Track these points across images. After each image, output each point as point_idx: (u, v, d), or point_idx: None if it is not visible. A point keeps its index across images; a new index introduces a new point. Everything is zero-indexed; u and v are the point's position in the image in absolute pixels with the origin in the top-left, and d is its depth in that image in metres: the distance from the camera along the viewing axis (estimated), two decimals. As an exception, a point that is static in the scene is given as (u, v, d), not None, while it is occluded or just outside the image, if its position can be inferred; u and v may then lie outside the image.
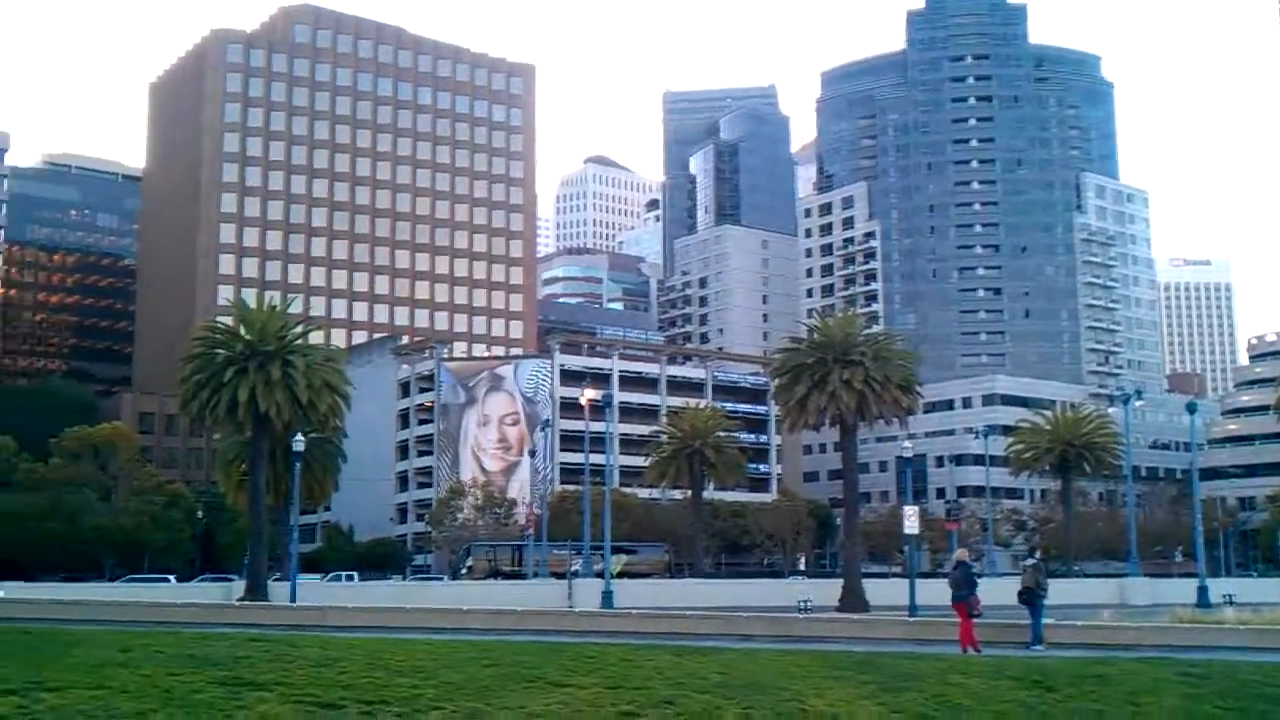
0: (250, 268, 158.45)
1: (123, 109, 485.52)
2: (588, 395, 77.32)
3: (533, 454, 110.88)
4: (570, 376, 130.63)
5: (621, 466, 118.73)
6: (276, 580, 63.42)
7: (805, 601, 53.11)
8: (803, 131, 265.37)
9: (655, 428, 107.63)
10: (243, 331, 61.52)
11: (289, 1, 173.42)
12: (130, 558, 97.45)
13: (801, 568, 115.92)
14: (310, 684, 17.87)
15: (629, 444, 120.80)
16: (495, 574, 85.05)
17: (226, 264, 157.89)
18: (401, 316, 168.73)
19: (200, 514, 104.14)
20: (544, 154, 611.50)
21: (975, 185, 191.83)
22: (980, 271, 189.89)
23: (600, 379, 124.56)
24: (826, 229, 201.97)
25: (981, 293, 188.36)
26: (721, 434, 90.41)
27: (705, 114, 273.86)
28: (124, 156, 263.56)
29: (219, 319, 72.51)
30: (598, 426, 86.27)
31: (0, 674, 16.98)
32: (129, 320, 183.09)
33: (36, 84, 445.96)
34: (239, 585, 62.53)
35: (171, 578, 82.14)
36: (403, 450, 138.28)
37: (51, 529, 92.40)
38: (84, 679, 17.20)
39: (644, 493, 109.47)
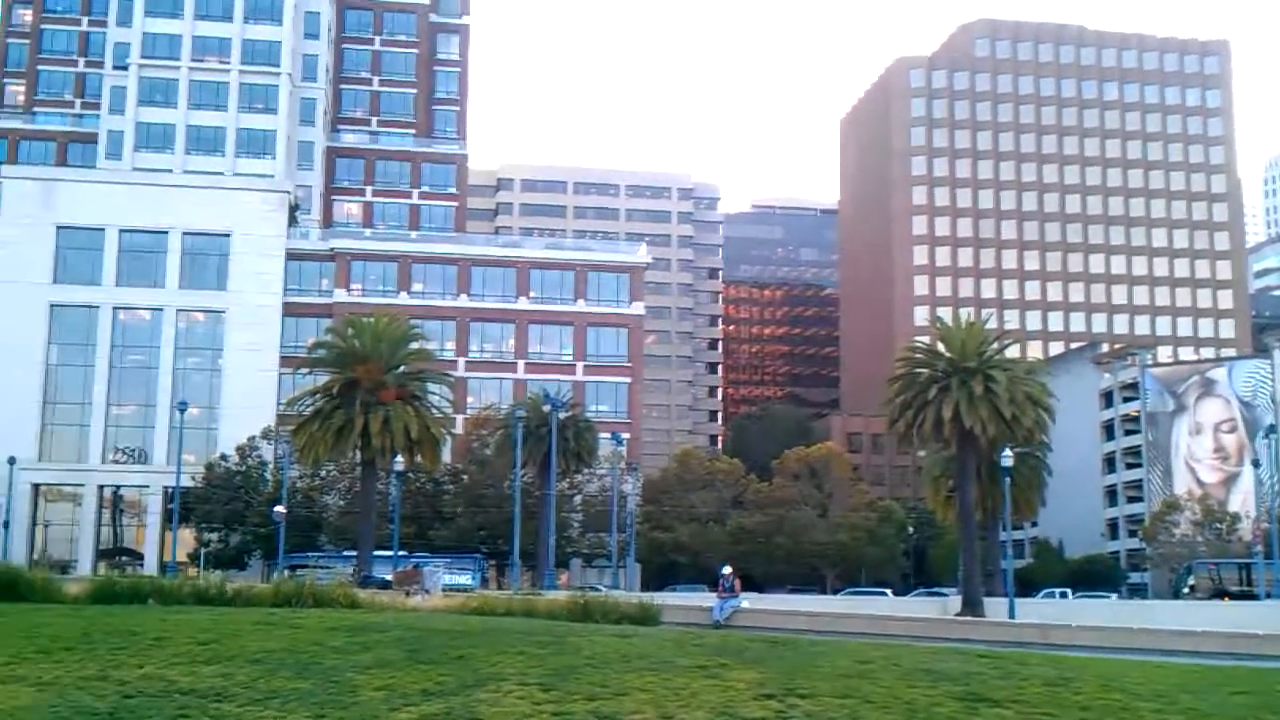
0: (943, 286, 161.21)
1: (816, 148, 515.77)
2: (1321, 397, 69.65)
3: (1256, 464, 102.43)
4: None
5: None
6: (988, 596, 63.82)
7: None
8: None
9: None
10: (943, 349, 63.15)
11: (967, 18, 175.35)
12: (847, 571, 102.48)
13: None
14: (1045, 702, 17.71)
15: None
16: (1220, 594, 79.31)
17: (921, 285, 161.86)
18: (1099, 324, 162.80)
19: (911, 529, 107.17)
20: (1245, 135, 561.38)
21: None
22: None
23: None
24: None
25: None
26: None
27: None
28: (819, 194, 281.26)
29: (917, 339, 74.57)
30: (1336, 431, 77.86)
31: (760, 679, 18.59)
32: (834, 346, 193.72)
33: (740, 138, 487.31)
34: (953, 600, 63.81)
35: (887, 591, 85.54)
36: (1109, 463, 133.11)
37: (778, 544, 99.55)
38: (830, 687, 18.30)
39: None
